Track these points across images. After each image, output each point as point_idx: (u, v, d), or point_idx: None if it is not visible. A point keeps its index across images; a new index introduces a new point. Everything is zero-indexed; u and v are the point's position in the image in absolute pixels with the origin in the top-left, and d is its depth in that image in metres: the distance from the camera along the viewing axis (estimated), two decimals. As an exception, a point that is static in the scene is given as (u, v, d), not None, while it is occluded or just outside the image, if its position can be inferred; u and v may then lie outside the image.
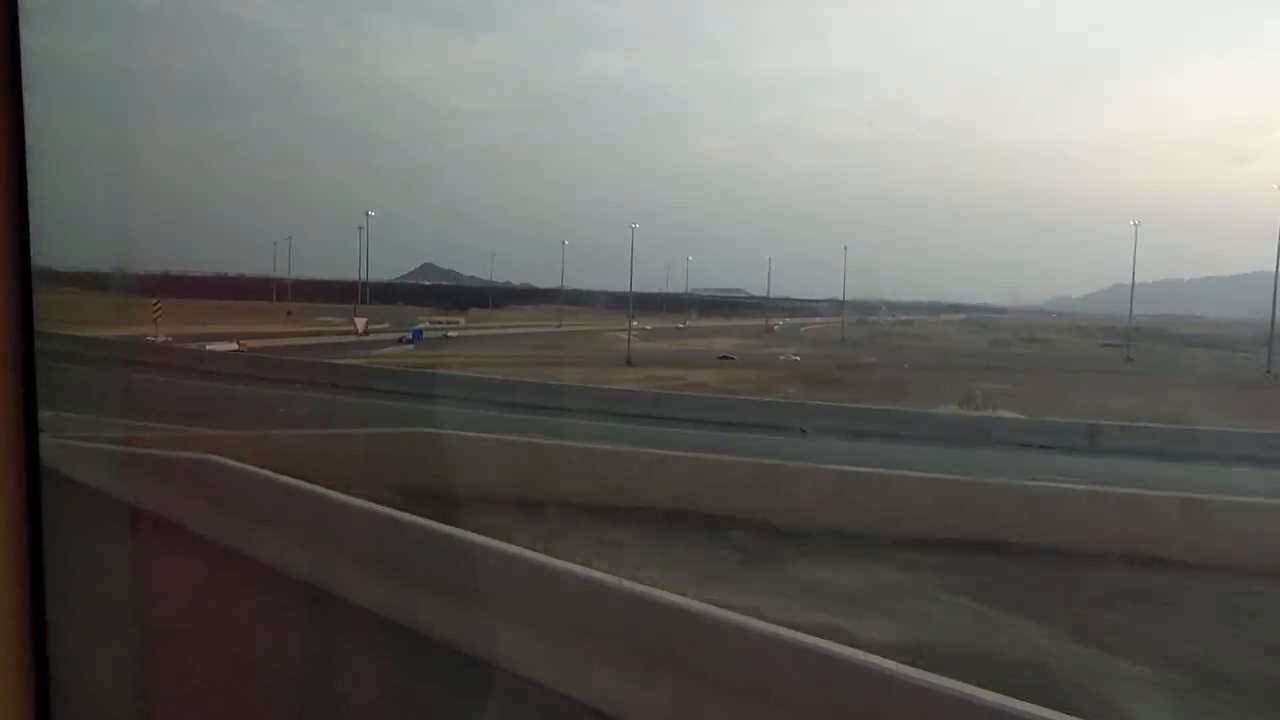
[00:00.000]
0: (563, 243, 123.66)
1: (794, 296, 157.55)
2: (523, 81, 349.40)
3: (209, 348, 42.71)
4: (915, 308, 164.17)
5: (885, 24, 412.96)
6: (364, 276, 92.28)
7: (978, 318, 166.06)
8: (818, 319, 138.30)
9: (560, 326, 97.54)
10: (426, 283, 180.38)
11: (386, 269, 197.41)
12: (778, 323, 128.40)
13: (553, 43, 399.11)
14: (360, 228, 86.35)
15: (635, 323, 76.71)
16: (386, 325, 73.00)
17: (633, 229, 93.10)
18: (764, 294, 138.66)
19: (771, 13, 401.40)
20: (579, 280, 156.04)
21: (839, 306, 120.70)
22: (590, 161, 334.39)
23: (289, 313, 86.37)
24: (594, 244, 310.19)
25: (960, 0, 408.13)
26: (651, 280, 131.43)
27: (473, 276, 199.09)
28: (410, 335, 66.38)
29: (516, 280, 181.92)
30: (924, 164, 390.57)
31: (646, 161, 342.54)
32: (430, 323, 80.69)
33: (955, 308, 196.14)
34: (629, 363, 52.45)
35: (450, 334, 77.03)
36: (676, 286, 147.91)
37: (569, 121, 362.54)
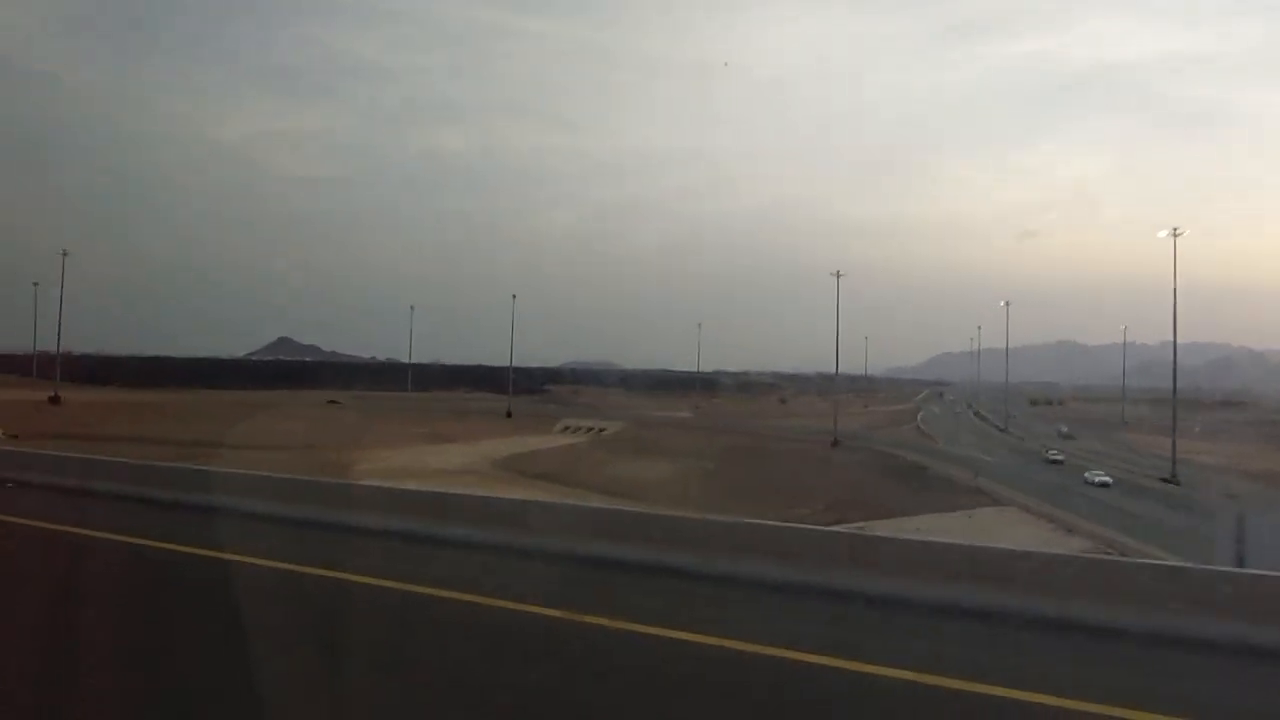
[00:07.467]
0: (410, 308, 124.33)
1: (669, 368, 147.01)
2: (364, 150, 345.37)
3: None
4: (804, 380, 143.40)
5: (728, 109, 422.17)
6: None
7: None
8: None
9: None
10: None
11: (233, 344, 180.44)
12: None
13: (396, 112, 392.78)
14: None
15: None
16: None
17: (512, 298, 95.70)
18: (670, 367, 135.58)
19: (615, 91, 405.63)
20: (432, 353, 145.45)
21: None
22: (438, 231, 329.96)
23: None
24: (444, 314, 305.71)
25: (793, 92, 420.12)
26: (499, 353, 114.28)
27: (334, 352, 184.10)
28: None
29: (380, 354, 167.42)
30: (770, 239, 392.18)
31: (494, 233, 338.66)
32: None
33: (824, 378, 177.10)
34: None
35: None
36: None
37: (410, 191, 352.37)
